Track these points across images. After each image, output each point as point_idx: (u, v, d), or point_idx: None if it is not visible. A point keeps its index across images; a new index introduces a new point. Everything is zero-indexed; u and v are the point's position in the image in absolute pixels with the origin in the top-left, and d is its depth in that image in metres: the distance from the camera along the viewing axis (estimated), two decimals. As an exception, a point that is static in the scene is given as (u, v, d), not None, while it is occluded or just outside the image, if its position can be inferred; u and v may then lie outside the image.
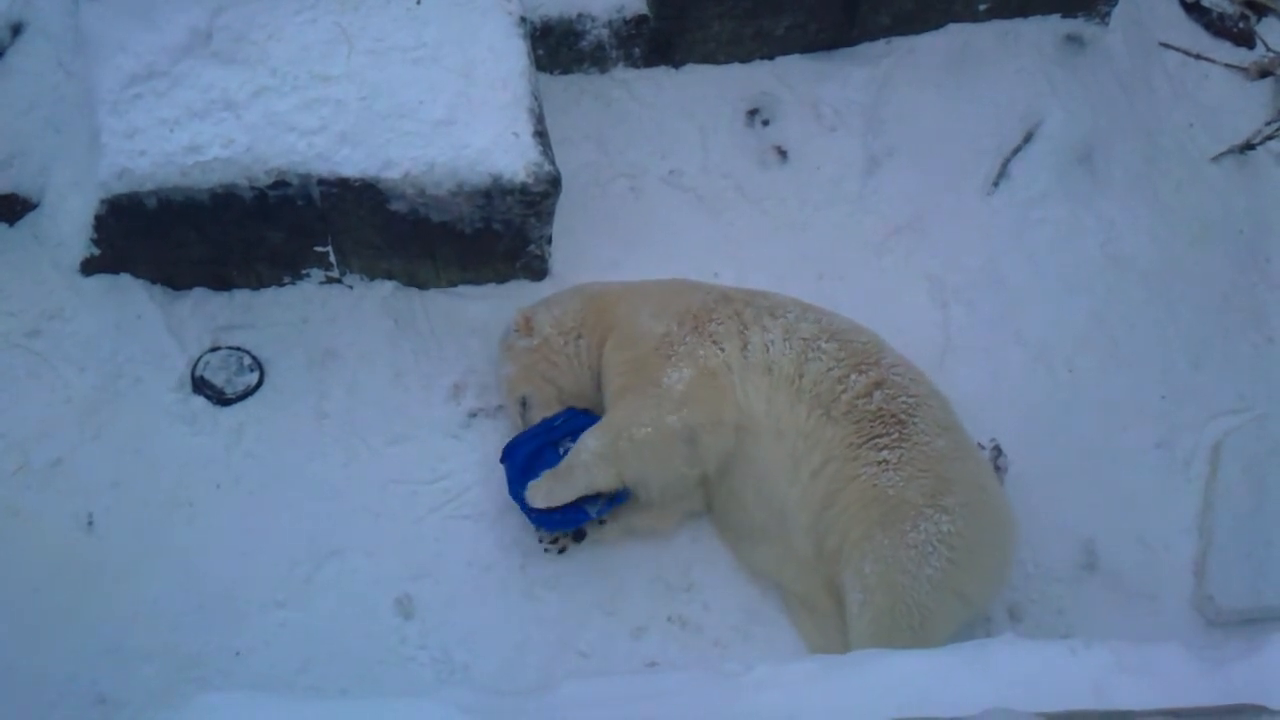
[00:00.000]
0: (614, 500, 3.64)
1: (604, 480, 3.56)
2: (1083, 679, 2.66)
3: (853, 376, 3.56)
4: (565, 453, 3.64)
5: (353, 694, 3.40)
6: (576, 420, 3.74)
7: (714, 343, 3.63)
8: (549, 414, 3.78)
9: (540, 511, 3.58)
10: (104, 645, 3.46)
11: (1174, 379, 4.12)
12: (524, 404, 3.79)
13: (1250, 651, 2.76)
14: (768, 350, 3.61)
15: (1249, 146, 4.50)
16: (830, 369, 3.57)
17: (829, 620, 3.59)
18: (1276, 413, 4.08)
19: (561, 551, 3.72)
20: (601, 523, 3.72)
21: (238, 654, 3.51)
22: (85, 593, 3.52)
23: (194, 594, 3.57)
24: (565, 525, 3.66)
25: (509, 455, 3.68)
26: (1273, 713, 2.50)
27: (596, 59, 4.32)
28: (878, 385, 3.54)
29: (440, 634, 3.59)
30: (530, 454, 3.66)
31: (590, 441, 3.57)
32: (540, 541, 3.71)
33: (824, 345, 3.60)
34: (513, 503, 3.66)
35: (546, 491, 3.56)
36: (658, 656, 3.63)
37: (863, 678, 2.72)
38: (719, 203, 4.27)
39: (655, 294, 3.80)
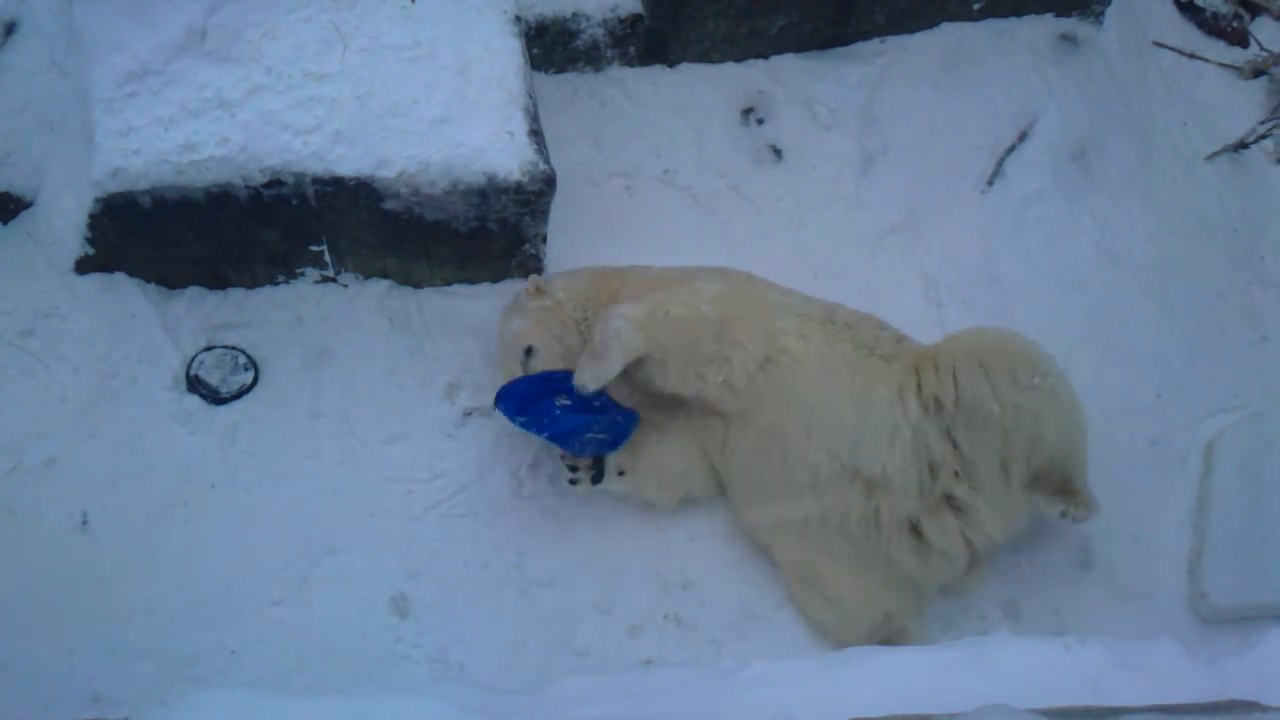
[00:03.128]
0: (629, 422, 3.65)
1: (635, 347, 3.52)
2: (1078, 675, 2.67)
3: (882, 330, 3.67)
4: (561, 408, 3.61)
5: (348, 693, 3.40)
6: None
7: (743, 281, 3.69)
8: (552, 370, 3.74)
9: (556, 429, 3.56)
10: (99, 644, 3.46)
11: (1169, 377, 4.13)
12: (529, 353, 3.74)
13: (1244, 648, 2.77)
14: (793, 301, 3.68)
15: (1243, 145, 4.50)
16: (859, 318, 3.67)
17: (845, 605, 3.60)
18: (1271, 410, 4.09)
19: (574, 484, 3.70)
20: (621, 474, 3.72)
21: (233, 653, 3.51)
22: (80, 592, 3.52)
23: (189, 593, 3.57)
24: (575, 439, 3.62)
25: (506, 393, 3.63)
26: (1265, 708, 2.51)
27: (591, 58, 4.32)
28: (905, 338, 3.66)
29: (436, 633, 3.60)
30: (528, 394, 3.63)
31: (624, 310, 3.55)
32: (562, 459, 3.72)
33: (844, 309, 3.70)
34: (510, 501, 3.67)
35: (592, 374, 3.54)
36: (654, 654, 3.63)
37: (858, 674, 2.73)
38: (714, 202, 4.27)
39: (669, 272, 3.81)
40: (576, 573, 3.71)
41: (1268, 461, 3.93)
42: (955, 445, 3.53)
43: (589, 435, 3.62)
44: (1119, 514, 3.88)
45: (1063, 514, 3.52)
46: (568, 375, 3.65)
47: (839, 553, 3.63)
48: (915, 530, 3.58)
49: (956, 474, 3.54)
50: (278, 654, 3.52)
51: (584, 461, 3.71)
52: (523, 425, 3.62)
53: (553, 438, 3.61)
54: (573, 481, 3.72)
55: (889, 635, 3.60)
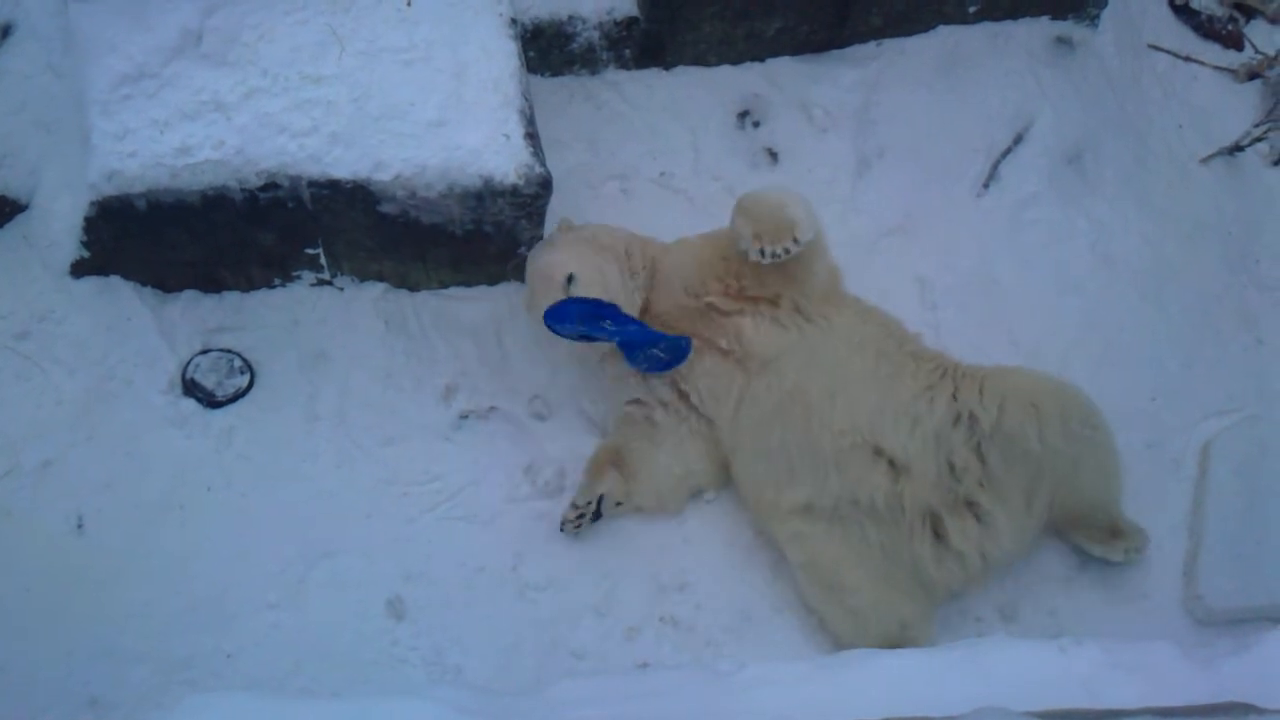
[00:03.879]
0: (687, 345, 3.65)
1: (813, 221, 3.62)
2: (1073, 678, 2.67)
3: (909, 334, 3.80)
4: (615, 329, 3.57)
5: (345, 695, 3.39)
6: (625, 319, 3.62)
7: None
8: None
9: (625, 335, 3.58)
10: (95, 647, 3.46)
11: (1164, 380, 4.13)
12: (570, 280, 3.63)
13: (1239, 650, 2.77)
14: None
15: (1238, 148, 4.51)
16: (890, 318, 3.81)
17: (864, 610, 3.58)
18: (1266, 413, 4.09)
19: (575, 526, 3.70)
20: (619, 504, 3.73)
21: (229, 656, 3.51)
22: (76, 595, 3.52)
23: (185, 596, 3.56)
24: (640, 351, 3.64)
25: (558, 309, 3.56)
26: (1261, 711, 2.51)
27: (587, 61, 4.32)
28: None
29: (432, 635, 3.59)
30: (583, 311, 3.56)
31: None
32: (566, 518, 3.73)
33: (877, 309, 3.86)
34: (506, 504, 3.69)
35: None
36: (651, 657, 3.63)
37: (855, 677, 2.72)
38: (710, 204, 4.26)
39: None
40: (573, 575, 3.71)
41: (1263, 464, 3.94)
42: (983, 461, 3.59)
43: (653, 350, 3.63)
44: (1115, 516, 3.90)
45: (1126, 554, 3.71)
46: (614, 307, 3.61)
47: (862, 550, 3.60)
48: (935, 529, 3.60)
49: (981, 484, 3.59)
50: (274, 657, 3.51)
51: (581, 502, 3.69)
52: (582, 334, 3.58)
53: (622, 343, 3.62)
54: (575, 524, 3.70)
55: (899, 645, 3.56)
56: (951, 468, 3.59)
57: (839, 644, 3.62)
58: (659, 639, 3.64)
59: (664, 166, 4.31)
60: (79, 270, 3.79)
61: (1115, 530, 3.70)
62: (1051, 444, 3.56)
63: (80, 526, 3.62)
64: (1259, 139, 4.52)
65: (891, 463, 3.58)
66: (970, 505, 3.59)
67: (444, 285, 4.02)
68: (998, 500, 3.59)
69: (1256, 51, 4.71)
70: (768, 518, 3.72)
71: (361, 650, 3.56)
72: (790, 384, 3.63)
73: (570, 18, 4.20)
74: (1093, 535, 3.71)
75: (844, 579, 3.60)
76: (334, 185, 3.55)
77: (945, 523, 3.59)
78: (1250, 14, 4.81)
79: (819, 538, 3.62)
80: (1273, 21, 4.79)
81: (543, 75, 4.28)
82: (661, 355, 3.65)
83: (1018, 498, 3.60)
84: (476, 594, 3.66)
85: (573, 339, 3.62)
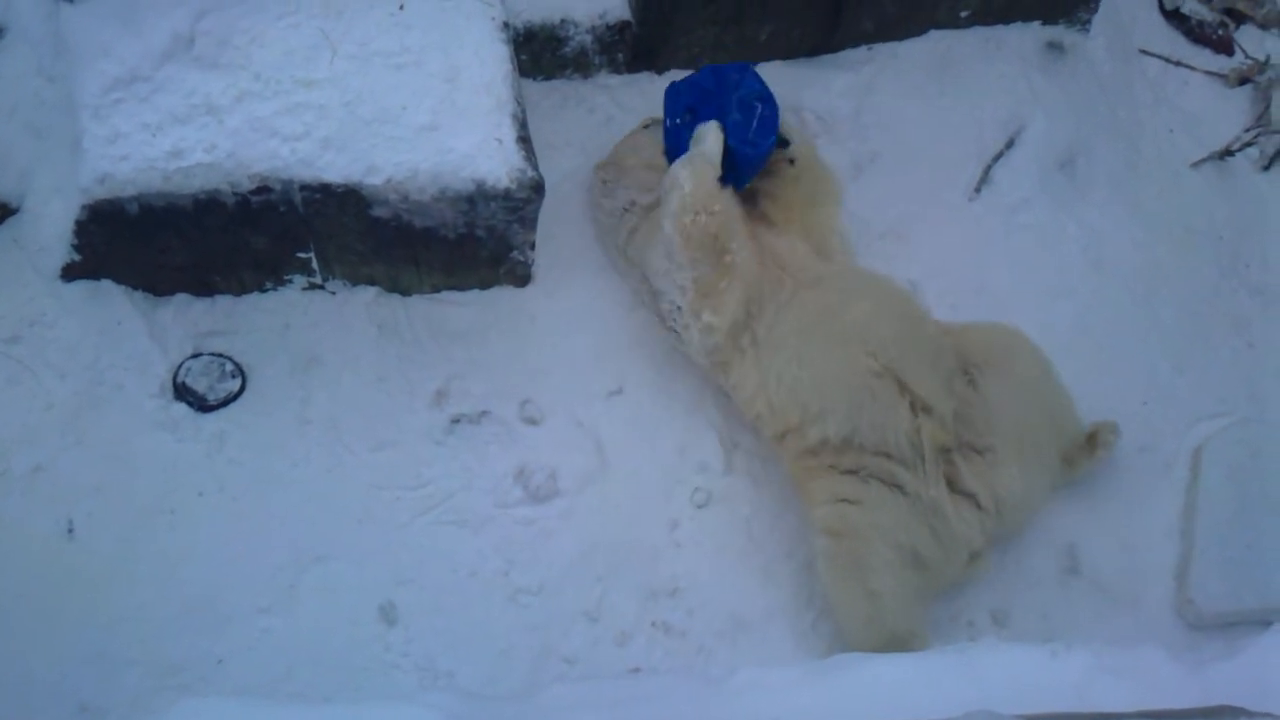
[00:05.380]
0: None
1: None
2: (1064, 681, 2.68)
3: None
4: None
5: (336, 700, 3.39)
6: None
7: None
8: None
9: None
10: (85, 653, 3.44)
11: (1156, 383, 4.14)
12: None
13: (1230, 654, 2.78)
14: None
15: (1229, 153, 4.52)
16: None
17: (884, 600, 3.54)
18: (1258, 417, 4.11)
19: None
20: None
21: (220, 661, 3.50)
22: (66, 600, 3.50)
23: (176, 601, 3.55)
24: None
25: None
26: (1251, 714, 2.51)
27: (580, 65, 4.32)
28: None
29: (424, 640, 3.59)
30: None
31: None
32: None
33: None
34: (498, 509, 3.71)
35: None
36: (642, 663, 3.63)
37: (846, 681, 2.73)
38: (703, 208, 4.26)
39: None
40: (564, 580, 3.70)
41: (1255, 468, 3.94)
42: (984, 399, 3.70)
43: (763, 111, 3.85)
44: (1107, 520, 3.90)
45: (1109, 447, 3.87)
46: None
47: (894, 513, 3.57)
48: (949, 476, 3.63)
49: (984, 424, 3.68)
50: (265, 662, 3.50)
51: None
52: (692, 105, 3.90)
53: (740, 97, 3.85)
54: None
55: (902, 649, 3.52)
56: (959, 411, 3.66)
57: (844, 638, 3.60)
58: (651, 644, 3.64)
59: (657, 170, 4.30)
60: (70, 274, 3.78)
61: (1092, 435, 3.85)
62: (1033, 375, 3.76)
63: (71, 531, 3.61)
64: (1249, 144, 4.54)
65: (912, 404, 3.61)
66: (977, 448, 3.66)
67: (436, 289, 4.02)
68: (1001, 439, 3.65)
69: (1247, 57, 4.73)
70: (795, 461, 3.72)
71: (353, 655, 3.55)
72: (834, 300, 3.69)
73: (563, 21, 4.20)
74: (1083, 452, 3.84)
75: (872, 558, 3.54)
76: (326, 189, 3.55)
77: (957, 464, 3.63)
78: (1240, 19, 4.83)
79: (854, 503, 3.59)
80: (1263, 27, 4.81)
81: (535, 79, 4.28)
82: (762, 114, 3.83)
83: (1019, 435, 3.67)
84: (468, 599, 3.65)
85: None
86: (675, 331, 3.83)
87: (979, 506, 3.63)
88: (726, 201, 3.75)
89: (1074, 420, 3.85)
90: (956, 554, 3.64)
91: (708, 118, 3.82)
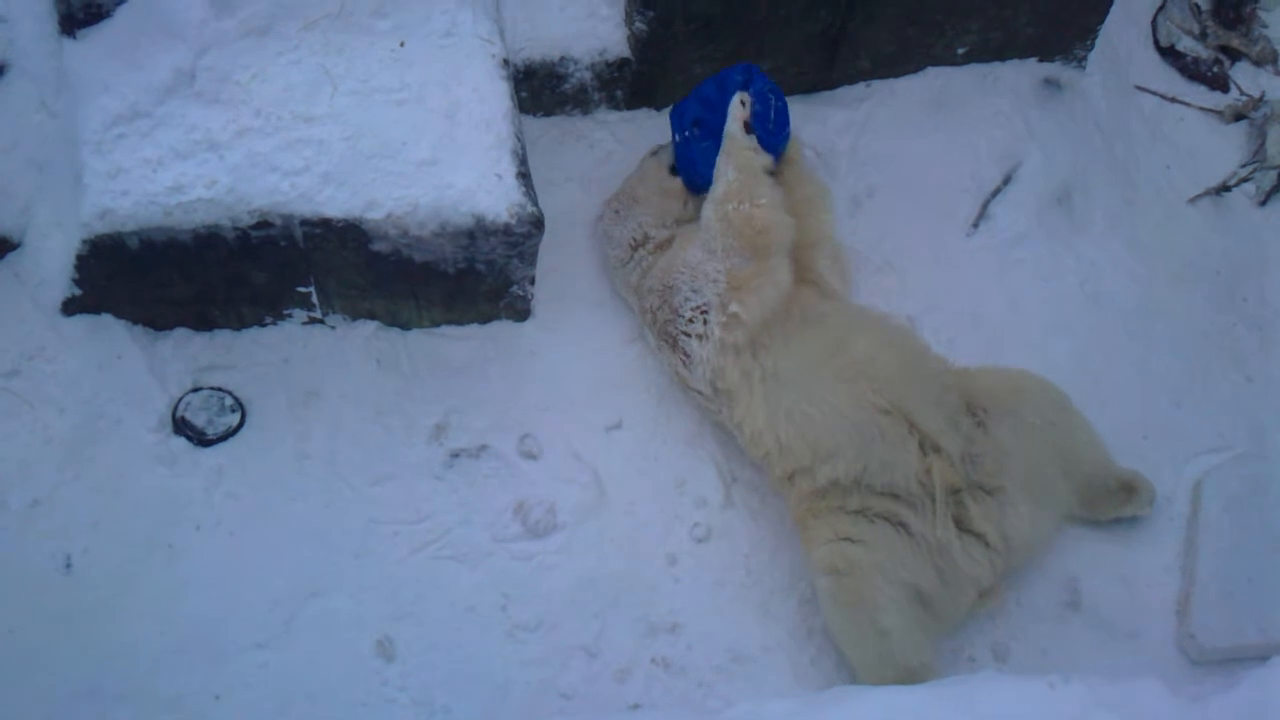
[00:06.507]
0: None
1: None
2: (1060, 714, 2.68)
3: None
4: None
5: (332, 737, 3.38)
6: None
7: None
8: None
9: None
10: (81, 687, 3.42)
11: (1155, 418, 4.14)
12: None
13: (1227, 687, 2.77)
14: None
15: (1225, 188, 4.55)
16: None
17: (893, 638, 3.49)
18: (1257, 451, 4.11)
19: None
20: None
21: (217, 697, 3.48)
22: (63, 634, 3.49)
23: (173, 636, 3.54)
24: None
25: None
26: (1252, 748, 2.51)
27: (579, 101, 4.35)
28: None
29: (421, 676, 3.57)
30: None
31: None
32: None
33: None
34: (496, 544, 3.69)
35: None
36: (641, 699, 3.61)
37: (843, 713, 2.71)
38: (701, 243, 4.28)
39: None
40: (562, 616, 3.69)
41: (1254, 502, 3.94)
42: (993, 441, 3.68)
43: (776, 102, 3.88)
44: (1107, 555, 3.90)
45: (1149, 505, 3.90)
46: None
47: (900, 552, 3.55)
48: (957, 517, 3.61)
49: (994, 465, 3.66)
50: (262, 697, 3.49)
51: None
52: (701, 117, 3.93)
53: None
54: None
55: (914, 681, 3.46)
56: (967, 451, 3.65)
57: (857, 677, 3.56)
58: (650, 680, 3.62)
59: (655, 206, 4.32)
60: (70, 308, 3.79)
61: (1128, 485, 3.84)
62: (1046, 417, 3.73)
63: (68, 565, 3.59)
64: (1245, 179, 4.56)
65: (921, 443, 3.60)
66: (986, 488, 3.64)
67: (435, 324, 4.02)
68: (1011, 480, 3.65)
69: (1242, 93, 4.77)
70: (801, 503, 3.68)
71: (350, 690, 3.53)
72: (836, 337, 3.70)
73: (562, 59, 4.23)
74: (1113, 500, 3.83)
75: (878, 596, 3.50)
76: (326, 224, 3.56)
77: (966, 505, 3.61)
78: (1235, 56, 4.87)
79: (857, 542, 3.55)
80: (1257, 63, 4.85)
81: (535, 115, 4.30)
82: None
83: (1030, 476, 3.67)
84: (466, 634, 3.64)
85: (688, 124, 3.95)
86: (686, 353, 3.79)
87: (988, 545, 3.62)
88: (774, 194, 3.77)
89: (1099, 462, 3.83)
90: (963, 592, 3.62)
91: (716, 124, 3.84)
